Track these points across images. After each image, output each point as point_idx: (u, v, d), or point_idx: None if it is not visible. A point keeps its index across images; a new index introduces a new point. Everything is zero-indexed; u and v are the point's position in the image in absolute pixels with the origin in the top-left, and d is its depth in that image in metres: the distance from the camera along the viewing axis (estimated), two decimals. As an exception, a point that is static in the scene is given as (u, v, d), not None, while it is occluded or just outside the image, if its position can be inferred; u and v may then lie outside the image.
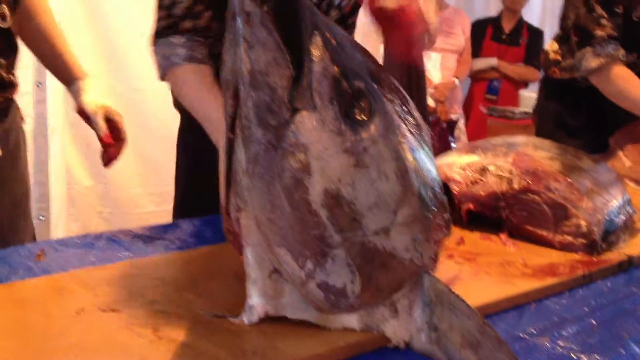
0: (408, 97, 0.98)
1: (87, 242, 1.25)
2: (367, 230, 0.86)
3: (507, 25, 4.61)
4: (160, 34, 1.36)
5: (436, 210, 0.93)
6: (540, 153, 1.48)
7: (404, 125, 0.92)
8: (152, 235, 1.31)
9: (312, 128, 0.83)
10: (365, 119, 0.86)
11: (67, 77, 1.70)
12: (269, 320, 0.93)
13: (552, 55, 2.26)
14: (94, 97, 1.67)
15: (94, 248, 1.23)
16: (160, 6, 1.37)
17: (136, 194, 3.28)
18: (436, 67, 4.27)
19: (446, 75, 4.33)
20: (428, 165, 0.95)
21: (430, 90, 4.19)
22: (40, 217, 2.99)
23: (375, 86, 0.90)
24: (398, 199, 0.88)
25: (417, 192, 0.90)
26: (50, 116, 3.01)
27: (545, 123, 2.37)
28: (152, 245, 1.26)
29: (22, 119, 1.67)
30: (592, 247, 1.31)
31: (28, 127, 2.95)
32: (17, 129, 1.63)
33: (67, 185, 3.11)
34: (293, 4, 0.83)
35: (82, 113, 1.67)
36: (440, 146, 4.21)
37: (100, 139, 1.65)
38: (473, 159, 1.47)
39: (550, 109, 2.34)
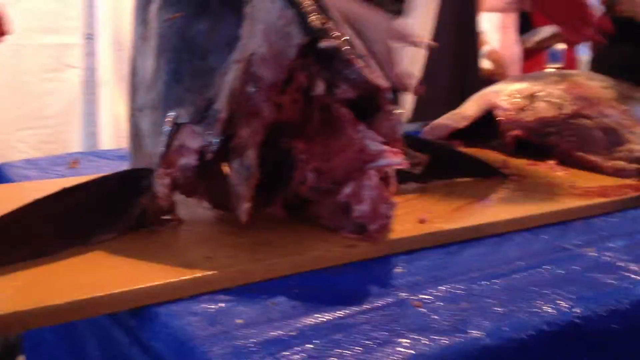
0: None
1: (120, 154, 1.24)
2: (135, 105, 0.93)
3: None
4: None
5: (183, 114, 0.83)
6: (594, 82, 1.41)
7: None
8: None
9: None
10: None
11: None
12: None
13: None
14: None
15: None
16: None
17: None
18: (493, 27, 4.13)
19: (507, 38, 4.18)
20: (208, 62, 0.84)
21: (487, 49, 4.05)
22: (90, 169, 3.02)
23: None
24: (150, 81, 0.89)
25: (163, 78, 0.87)
26: (101, 68, 3.03)
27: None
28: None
29: None
30: (645, 173, 1.24)
31: (78, 79, 3.01)
32: None
33: (115, 137, 3.13)
34: None
35: None
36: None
37: None
38: (522, 86, 1.41)
39: (611, 55, 2.23)
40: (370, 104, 0.87)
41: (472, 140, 1.37)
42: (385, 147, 0.85)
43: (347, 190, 0.87)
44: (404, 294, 0.78)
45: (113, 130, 3.09)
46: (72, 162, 1.15)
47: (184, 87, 0.83)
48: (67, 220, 0.77)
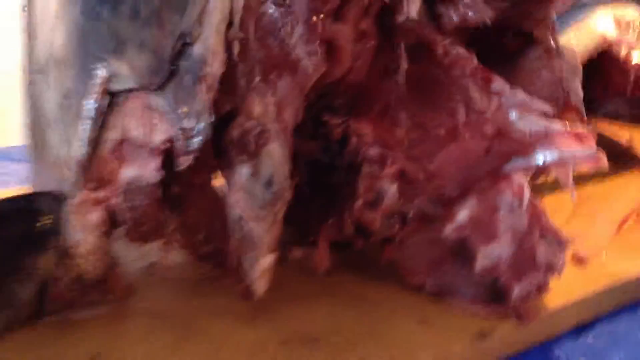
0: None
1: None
2: (33, 65, 0.48)
3: None
4: None
5: None
6: None
7: None
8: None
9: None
10: None
11: None
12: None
13: None
14: None
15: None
16: None
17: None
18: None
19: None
20: None
21: None
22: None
23: None
24: (56, 14, 0.48)
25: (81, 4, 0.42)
26: None
27: None
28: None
29: None
30: None
31: None
32: None
33: None
34: None
35: None
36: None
37: None
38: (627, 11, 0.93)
39: None
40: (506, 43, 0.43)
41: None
42: (556, 125, 0.41)
43: (463, 214, 0.44)
44: None
45: None
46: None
47: (123, 15, 0.38)
48: None
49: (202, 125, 0.36)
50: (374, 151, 0.43)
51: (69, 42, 0.40)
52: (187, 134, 0.36)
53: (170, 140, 0.37)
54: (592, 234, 0.57)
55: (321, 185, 0.46)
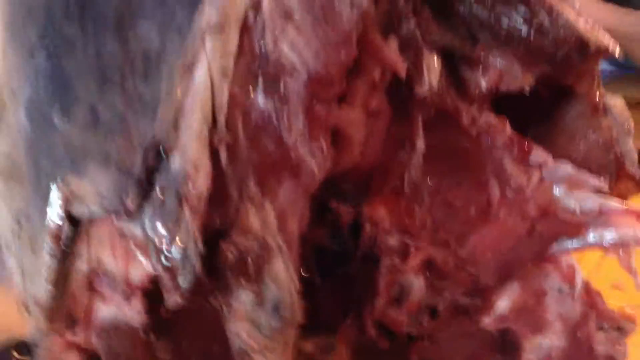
0: None
1: None
2: None
3: None
4: None
5: None
6: None
7: None
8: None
9: None
10: None
11: None
12: None
13: None
14: None
15: None
16: None
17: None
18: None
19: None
20: None
21: None
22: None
23: None
24: None
25: (27, 96, 0.33)
26: None
27: None
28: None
29: None
30: None
31: None
32: None
33: None
34: None
35: None
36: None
37: None
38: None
39: None
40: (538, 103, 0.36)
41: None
42: (612, 202, 0.34)
43: (504, 303, 0.37)
44: None
45: None
46: None
47: (78, 121, 0.31)
48: None
49: (189, 257, 0.29)
50: (393, 240, 0.36)
51: (16, 153, 0.33)
52: (171, 269, 0.29)
53: (152, 276, 0.30)
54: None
55: (333, 275, 0.39)
